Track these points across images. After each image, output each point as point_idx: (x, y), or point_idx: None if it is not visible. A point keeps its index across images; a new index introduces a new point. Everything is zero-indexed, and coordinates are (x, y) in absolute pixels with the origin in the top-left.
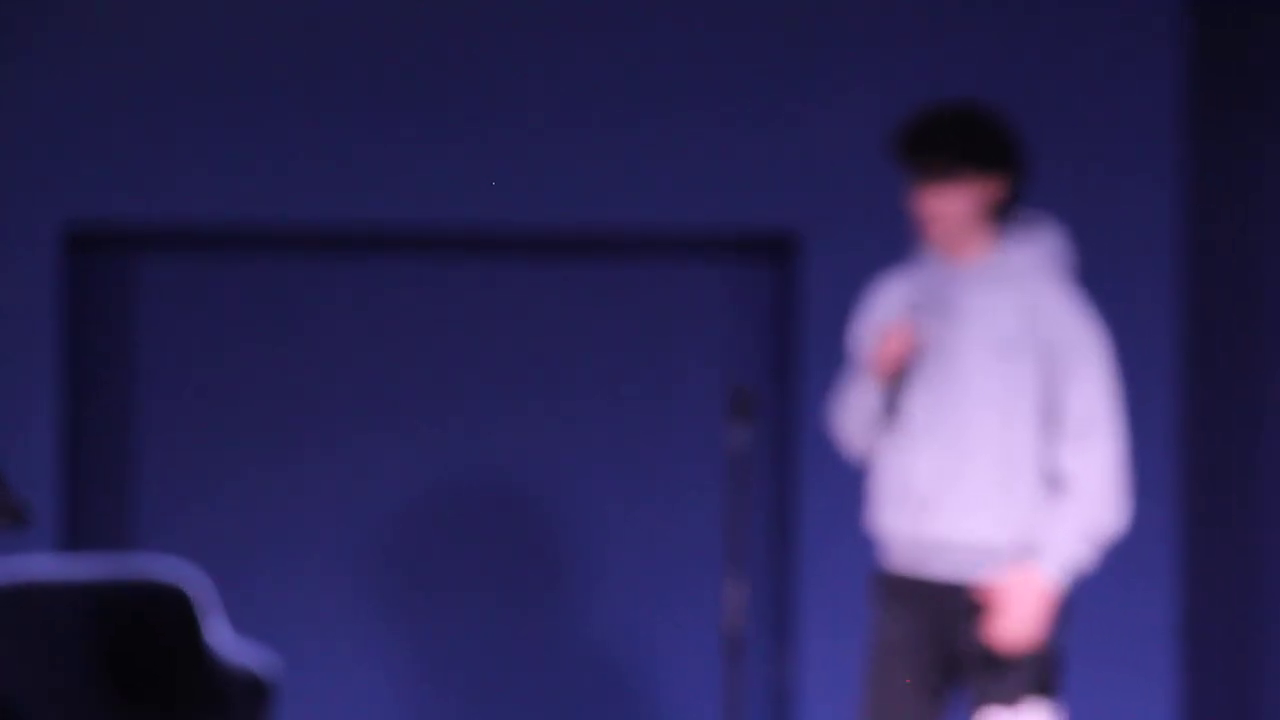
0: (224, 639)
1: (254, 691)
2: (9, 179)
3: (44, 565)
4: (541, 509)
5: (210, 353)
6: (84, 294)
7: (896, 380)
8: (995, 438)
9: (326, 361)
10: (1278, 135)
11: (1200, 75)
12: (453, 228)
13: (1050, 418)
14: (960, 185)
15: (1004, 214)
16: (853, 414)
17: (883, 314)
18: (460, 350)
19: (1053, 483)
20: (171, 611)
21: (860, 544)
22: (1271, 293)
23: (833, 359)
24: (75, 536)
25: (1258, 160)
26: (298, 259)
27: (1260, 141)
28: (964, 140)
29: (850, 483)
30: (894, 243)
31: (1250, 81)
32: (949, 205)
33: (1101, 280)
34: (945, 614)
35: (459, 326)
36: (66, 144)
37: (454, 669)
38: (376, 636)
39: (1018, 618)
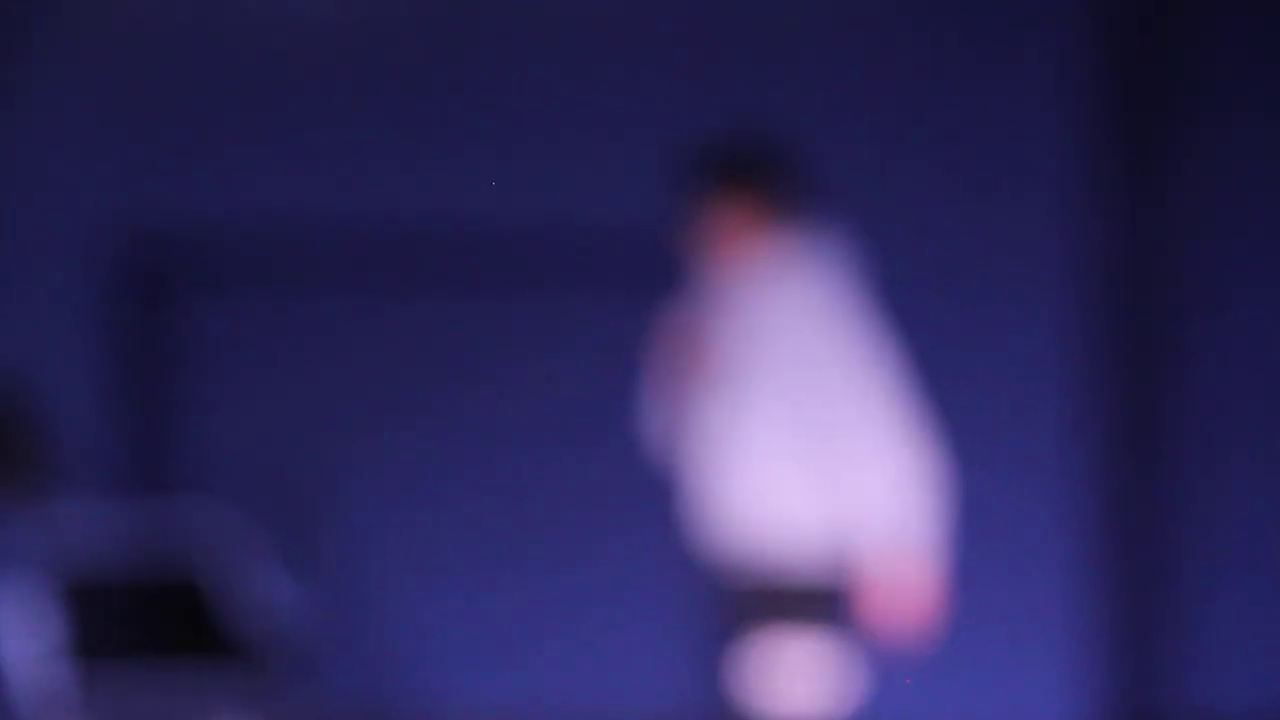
0: (266, 585)
1: (284, 650)
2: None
3: (90, 514)
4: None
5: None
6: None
7: (689, 389)
8: (786, 436)
9: (383, 323)
10: (1169, 121)
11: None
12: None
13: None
14: (729, 200)
15: (778, 225)
16: (654, 422)
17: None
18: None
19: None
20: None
21: None
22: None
23: None
24: (127, 473)
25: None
26: (352, 246)
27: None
28: (730, 160)
29: None
30: None
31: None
32: (722, 218)
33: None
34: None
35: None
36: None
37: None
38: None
39: (899, 599)
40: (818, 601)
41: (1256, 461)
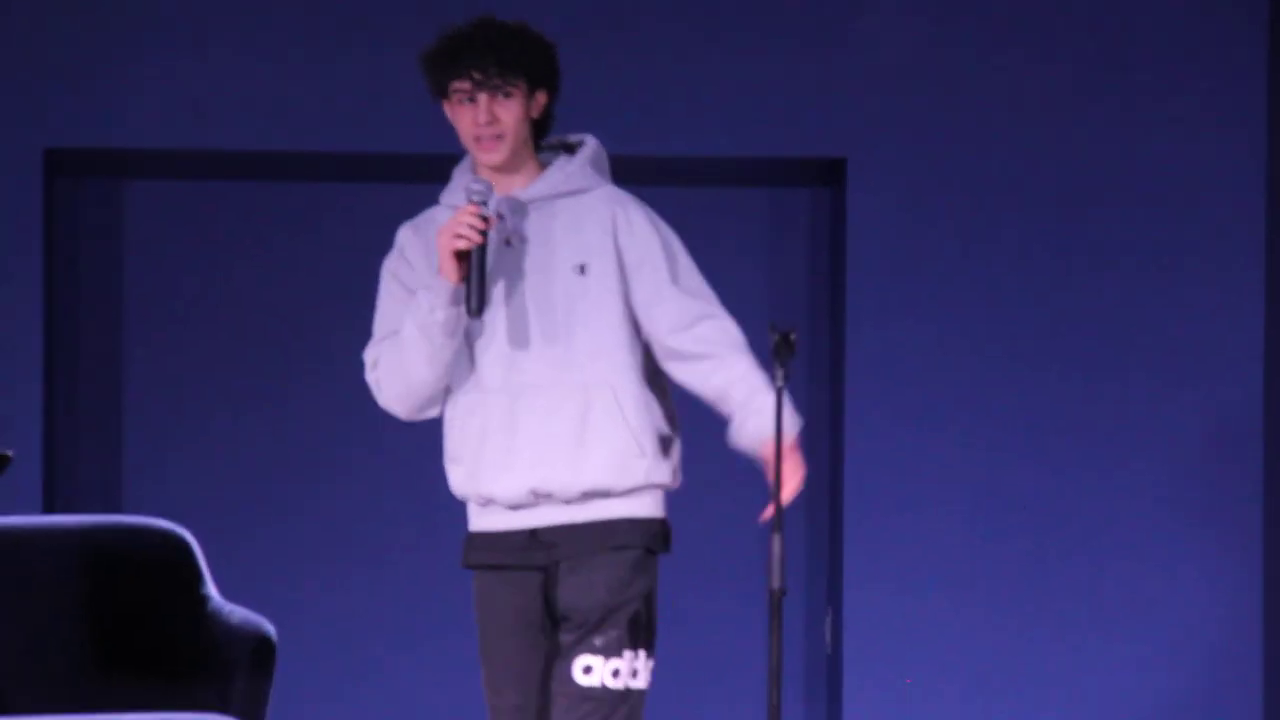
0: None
1: (257, 645)
2: None
3: (32, 517)
4: None
5: (192, 275)
6: (67, 216)
7: (474, 266)
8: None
9: (330, 289)
10: None
11: None
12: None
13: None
14: (515, 91)
15: (543, 133)
16: (414, 344)
17: (425, 250)
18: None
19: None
20: (169, 557)
21: (901, 499)
22: None
23: (876, 283)
24: (61, 476)
25: None
26: (284, 184)
27: None
28: (527, 46)
29: (893, 426)
30: (942, 168)
31: None
32: (508, 112)
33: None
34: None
35: None
36: (49, 70)
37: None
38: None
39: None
40: None
41: None
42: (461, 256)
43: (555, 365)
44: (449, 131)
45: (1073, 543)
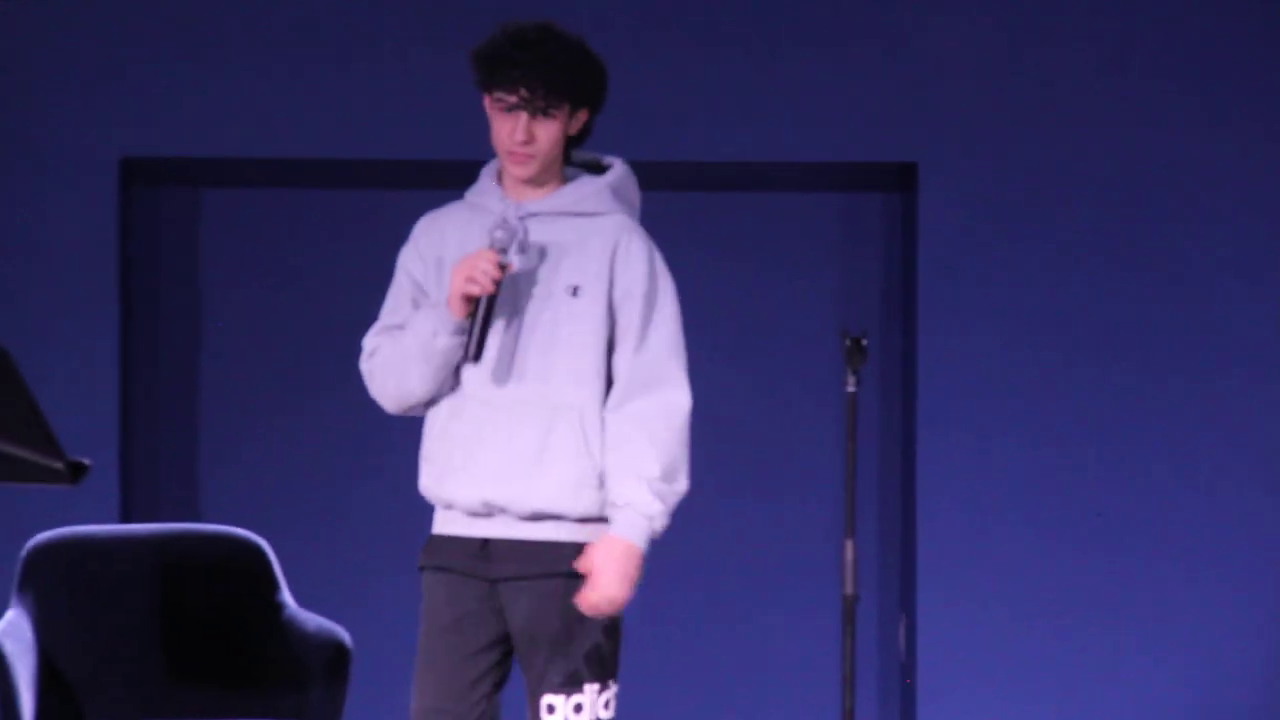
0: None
1: (333, 653)
2: (70, 114)
3: (110, 526)
4: None
5: (266, 282)
6: (143, 224)
7: (480, 313)
8: (567, 391)
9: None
10: None
11: None
12: None
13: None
14: (558, 114)
15: (575, 149)
16: (413, 356)
17: (438, 246)
18: None
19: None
20: (246, 565)
21: (974, 504)
22: None
23: (947, 288)
24: (138, 484)
25: None
26: (354, 191)
27: None
28: (579, 76)
29: (965, 431)
30: (1014, 173)
31: None
32: (546, 132)
33: None
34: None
35: None
36: (124, 82)
37: None
38: None
39: (605, 582)
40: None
41: None
42: (470, 298)
43: (530, 383)
44: (476, 136)
45: (1147, 549)
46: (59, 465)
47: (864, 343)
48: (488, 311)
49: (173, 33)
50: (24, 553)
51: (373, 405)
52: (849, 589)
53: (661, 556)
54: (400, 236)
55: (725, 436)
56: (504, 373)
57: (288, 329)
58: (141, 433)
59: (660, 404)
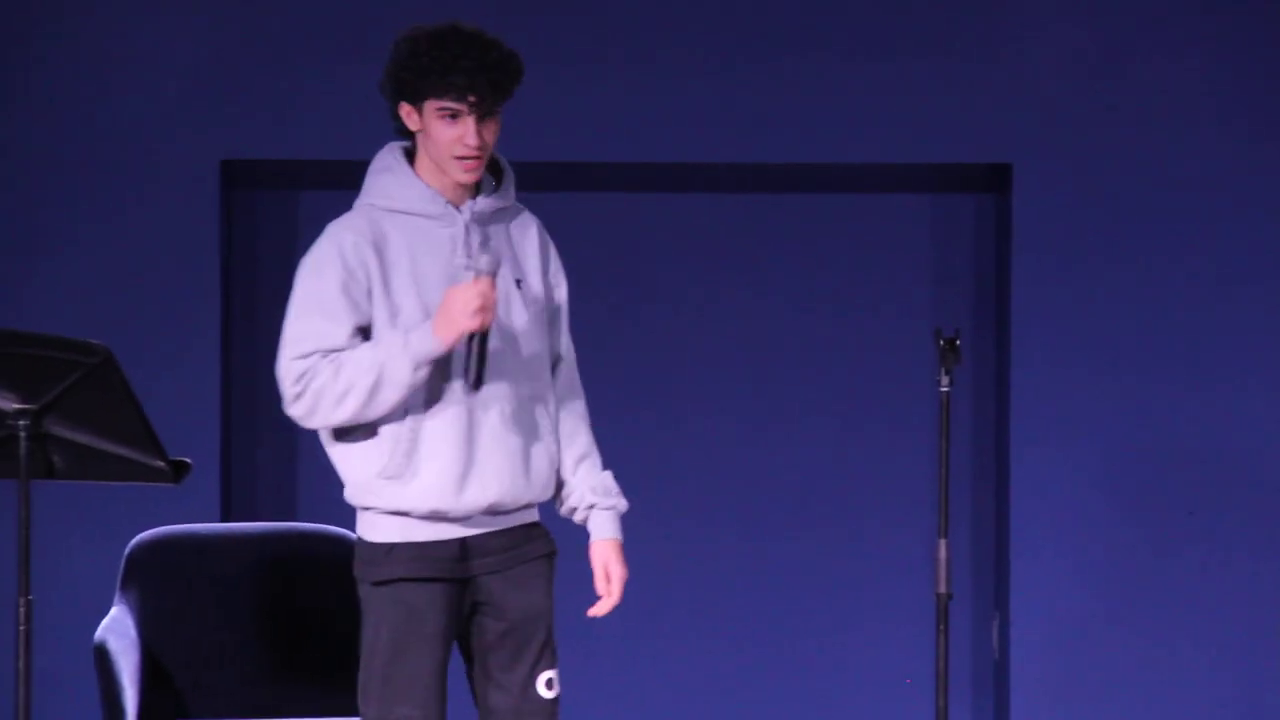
0: None
1: None
2: (173, 119)
3: (212, 525)
4: (737, 452)
5: None
6: (243, 225)
7: (477, 343)
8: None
9: None
10: None
11: None
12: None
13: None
14: (499, 114)
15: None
16: (387, 385)
17: (380, 262)
18: (667, 279)
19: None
20: (341, 561)
21: (1067, 504)
22: None
23: (1040, 289)
24: (238, 483)
25: None
26: None
27: None
28: (518, 73)
29: (1058, 431)
30: (1108, 175)
31: None
32: (491, 134)
33: None
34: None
35: (670, 253)
36: (225, 87)
37: (666, 622)
38: None
39: (622, 582)
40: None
41: None
42: (474, 330)
43: (505, 378)
44: (606, 141)
45: (1242, 549)
46: (162, 465)
47: (958, 343)
48: (484, 340)
49: (271, 39)
50: (127, 550)
51: None
52: (942, 588)
53: (758, 555)
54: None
55: (820, 435)
56: (506, 373)
57: None
58: (242, 433)
59: (575, 404)
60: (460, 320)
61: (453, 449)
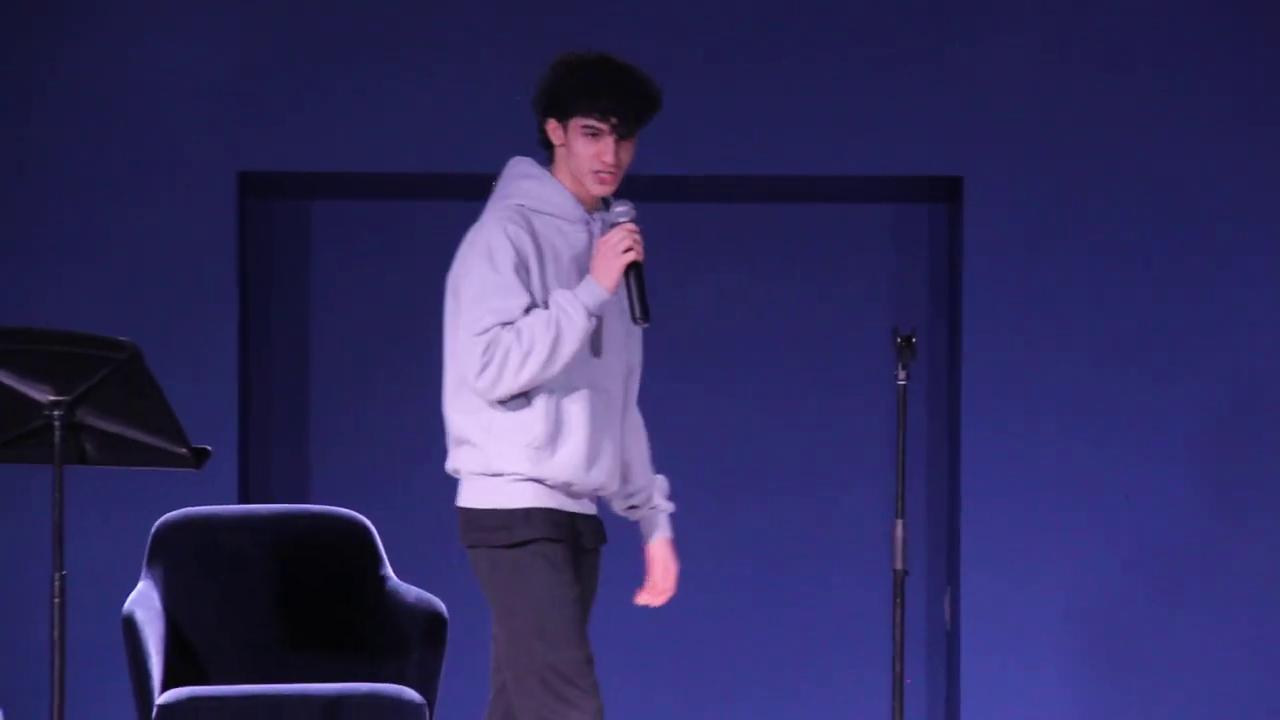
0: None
1: (431, 622)
2: (192, 132)
3: (230, 507)
4: (711, 442)
5: (373, 287)
6: (259, 234)
7: (635, 277)
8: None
9: None
10: None
11: None
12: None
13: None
14: (634, 142)
15: None
16: (566, 341)
17: (534, 250)
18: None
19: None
20: (352, 542)
21: (1013, 487)
22: None
23: (990, 291)
24: (255, 469)
25: None
26: (455, 203)
27: None
28: (657, 106)
29: (1006, 422)
30: (1053, 185)
31: None
32: (627, 154)
33: None
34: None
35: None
36: (241, 100)
37: (627, 615)
38: None
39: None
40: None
41: None
42: (627, 266)
43: (610, 375)
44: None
45: (1170, 530)
46: (185, 451)
47: (913, 340)
48: (639, 274)
49: (286, 57)
50: (153, 530)
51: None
52: (899, 564)
53: (728, 536)
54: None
55: (786, 426)
56: (604, 362)
57: (387, 332)
58: (258, 423)
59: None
60: (616, 259)
61: (586, 429)
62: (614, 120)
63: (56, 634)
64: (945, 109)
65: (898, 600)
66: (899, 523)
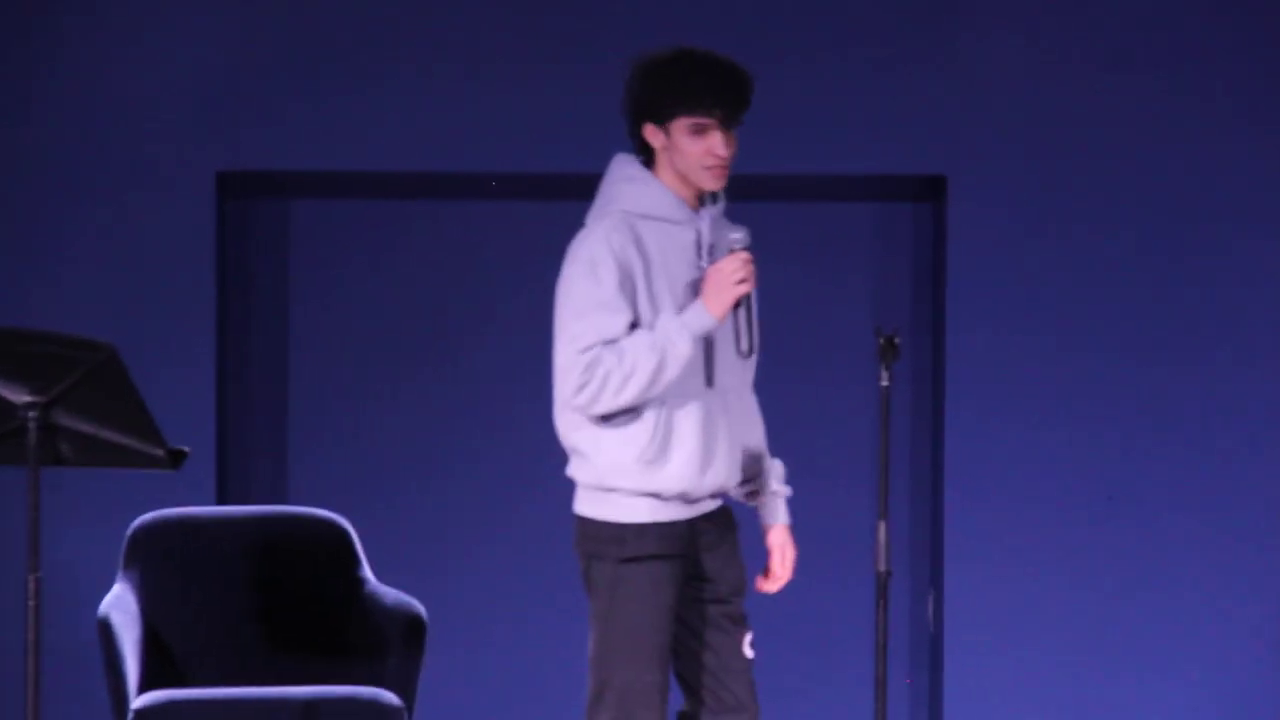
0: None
1: (409, 624)
2: (169, 132)
3: (208, 508)
4: None
5: (351, 287)
6: (237, 234)
7: (745, 310)
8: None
9: (475, 299)
10: None
11: None
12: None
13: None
14: (736, 131)
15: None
16: (668, 367)
17: (638, 259)
18: None
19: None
20: (330, 543)
21: (997, 488)
22: None
23: (973, 291)
24: (233, 470)
25: None
26: (434, 202)
27: None
28: (752, 86)
29: (989, 422)
30: (1037, 185)
31: None
32: (734, 146)
33: None
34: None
35: None
36: (220, 99)
37: None
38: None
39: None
40: None
41: None
42: (739, 299)
43: (728, 368)
44: (592, 151)
45: (1158, 529)
46: (161, 452)
47: (896, 341)
48: (749, 305)
49: (265, 56)
50: (129, 532)
51: (441, 401)
52: (882, 566)
53: None
54: (479, 246)
55: (770, 424)
56: (723, 365)
57: (366, 332)
58: (235, 424)
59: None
60: (728, 291)
61: (696, 437)
62: (719, 114)
63: (31, 637)
64: (929, 108)
65: (881, 602)
66: (882, 524)
